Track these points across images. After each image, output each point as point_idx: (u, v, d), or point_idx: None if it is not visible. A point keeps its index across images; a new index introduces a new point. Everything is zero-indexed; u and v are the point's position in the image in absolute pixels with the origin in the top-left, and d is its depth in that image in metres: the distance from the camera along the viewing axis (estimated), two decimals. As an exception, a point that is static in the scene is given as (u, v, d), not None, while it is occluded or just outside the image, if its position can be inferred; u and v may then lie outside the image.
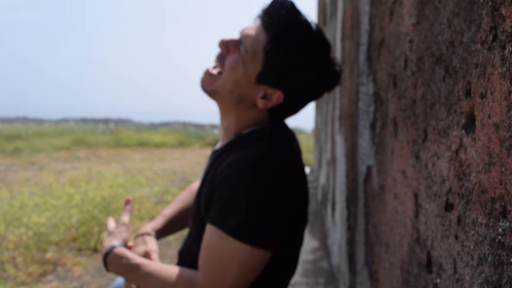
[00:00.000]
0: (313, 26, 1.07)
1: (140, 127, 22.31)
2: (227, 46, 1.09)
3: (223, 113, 1.12)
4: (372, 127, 1.14)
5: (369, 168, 1.14)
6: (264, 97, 1.05)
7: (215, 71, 1.10)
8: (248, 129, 1.07)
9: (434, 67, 0.66)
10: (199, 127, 21.51)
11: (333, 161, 2.39)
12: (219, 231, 0.92)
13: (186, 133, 16.80)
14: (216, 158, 1.07)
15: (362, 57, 1.32)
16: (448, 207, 0.56)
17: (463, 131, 0.52)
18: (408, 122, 0.79)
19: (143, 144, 14.06)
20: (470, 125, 0.51)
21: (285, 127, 1.09)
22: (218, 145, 1.13)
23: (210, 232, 0.94)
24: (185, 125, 22.32)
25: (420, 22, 0.76)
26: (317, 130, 6.14)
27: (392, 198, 0.90)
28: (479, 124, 0.48)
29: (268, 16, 1.05)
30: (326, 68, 1.06)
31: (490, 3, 0.48)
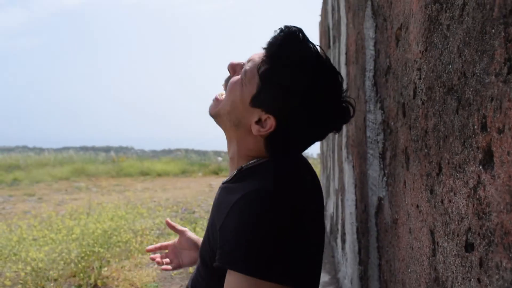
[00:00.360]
0: (319, 55, 1.03)
1: (142, 155, 22.22)
2: (234, 69, 1.08)
3: (228, 140, 1.11)
4: (382, 156, 1.11)
5: (380, 200, 1.11)
6: (259, 122, 1.01)
7: (221, 97, 1.10)
8: (250, 162, 1.04)
9: (445, 98, 0.63)
10: (202, 154, 21.45)
11: (341, 190, 2.35)
12: (239, 275, 0.85)
13: (189, 161, 16.65)
14: (222, 192, 1.05)
15: (368, 83, 1.29)
16: (468, 247, 0.52)
17: (481, 167, 0.49)
18: (420, 154, 0.76)
19: (145, 173, 13.92)
20: (488, 161, 0.48)
21: (292, 159, 1.03)
22: (227, 177, 1.10)
23: (230, 278, 0.87)
24: (187, 152, 22.29)
25: (428, 49, 0.74)
26: (323, 157, 6.09)
27: (406, 233, 0.86)
28: (497, 161, 0.45)
29: (270, 40, 1.03)
30: (329, 101, 1.00)
31: (503, 34, 0.46)
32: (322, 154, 6.56)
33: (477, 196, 0.50)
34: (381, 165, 1.11)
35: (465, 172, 0.54)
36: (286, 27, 1.03)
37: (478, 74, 0.51)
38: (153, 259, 1.43)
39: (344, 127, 2.07)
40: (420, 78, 0.79)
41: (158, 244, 1.46)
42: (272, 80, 0.99)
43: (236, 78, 1.06)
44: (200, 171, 14.86)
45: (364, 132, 1.38)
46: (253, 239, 0.86)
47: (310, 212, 0.95)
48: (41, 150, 23.47)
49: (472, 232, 0.51)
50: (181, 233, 1.41)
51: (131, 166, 14.50)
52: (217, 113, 1.08)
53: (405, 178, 0.87)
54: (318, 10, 6.14)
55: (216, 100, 1.11)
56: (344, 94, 1.04)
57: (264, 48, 1.03)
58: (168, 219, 1.44)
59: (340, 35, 2.34)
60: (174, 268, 1.40)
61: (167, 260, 1.40)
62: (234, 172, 1.05)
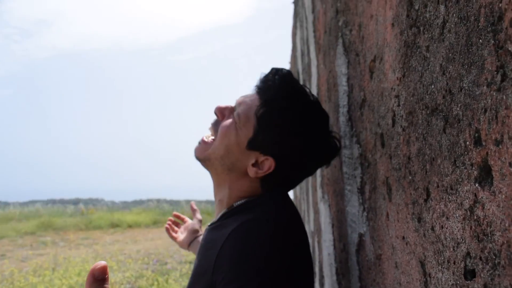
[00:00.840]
0: (310, 95, 1.06)
1: (112, 206, 21.72)
2: (222, 112, 1.08)
3: (216, 184, 1.08)
4: (361, 191, 1.07)
5: (361, 236, 1.06)
6: (256, 164, 1.02)
7: (209, 139, 1.08)
8: (241, 200, 1.02)
9: (429, 119, 0.61)
10: (175, 203, 21.08)
11: (317, 231, 2.29)
12: None
13: (161, 211, 16.36)
14: (209, 232, 1.02)
15: (342, 118, 1.28)
16: (468, 274, 0.48)
17: (477, 185, 0.46)
18: (404, 181, 0.72)
19: (115, 225, 13.54)
20: (484, 177, 0.44)
21: (281, 194, 1.04)
22: (213, 219, 1.08)
23: None
24: (159, 202, 21.91)
25: (406, 75, 0.72)
26: (297, 200, 6.05)
27: (392, 268, 0.81)
28: (497, 174, 0.42)
29: (262, 83, 1.05)
30: (321, 138, 1.04)
31: (492, 41, 0.43)
32: (296, 197, 6.52)
33: (475, 217, 0.46)
34: (360, 200, 1.07)
35: (459, 193, 0.50)
36: (276, 70, 1.06)
37: (466, 88, 0.49)
38: (176, 216, 1.65)
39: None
40: (399, 105, 0.77)
41: (183, 216, 1.66)
42: (270, 123, 1.00)
43: (228, 121, 1.04)
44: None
45: (340, 168, 1.35)
46: (253, 269, 0.83)
47: (305, 242, 0.95)
48: (6, 204, 22.53)
49: (471, 257, 0.47)
50: (186, 221, 1.63)
51: (100, 218, 14.12)
52: (207, 157, 1.06)
53: (388, 210, 0.83)
54: (287, 58, 6.29)
55: (204, 143, 1.08)
56: (331, 129, 1.10)
57: (258, 91, 1.05)
58: (193, 203, 1.63)
59: (310, 77, 2.36)
60: (171, 237, 1.59)
61: (176, 229, 1.60)
62: (224, 210, 1.02)
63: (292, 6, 4.75)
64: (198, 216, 1.57)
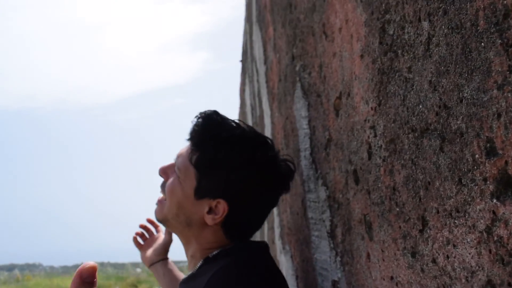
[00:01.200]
0: (238, 126, 1.04)
1: (51, 272, 20.31)
2: (165, 172, 1.08)
3: (184, 241, 1.07)
4: (331, 235, 1.00)
5: (334, 284, 0.98)
6: (210, 211, 0.99)
7: (163, 200, 1.08)
8: (215, 251, 0.99)
9: (419, 142, 0.56)
10: (120, 266, 19.98)
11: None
12: None
13: (105, 275, 15.48)
14: (184, 285, 1.01)
15: (305, 162, 1.23)
16: (491, 307, 0.42)
17: (495, 200, 0.40)
18: (390, 215, 0.66)
19: (54, 292, 12.70)
20: (503, 190, 0.39)
21: (254, 245, 1.03)
22: (189, 273, 1.05)
23: None
24: (103, 265, 20.70)
25: (383, 102, 0.69)
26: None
27: (378, 315, 0.73)
28: (522, 184, 0.37)
29: (191, 129, 1.05)
30: (265, 163, 1.01)
31: (499, 41, 0.40)
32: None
33: (495, 238, 0.40)
34: (332, 245, 1.00)
35: (469, 215, 0.45)
36: (201, 113, 1.05)
37: (469, 97, 0.45)
38: (149, 221, 1.41)
39: (276, 218, 1.97)
40: (375, 136, 0.73)
41: (157, 223, 1.38)
42: (207, 166, 0.99)
43: (171, 179, 1.04)
44: (117, 284, 13.89)
45: (303, 215, 1.28)
46: None
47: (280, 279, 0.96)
48: None
49: (494, 285, 0.41)
50: (159, 234, 1.40)
51: (38, 284, 13.23)
52: (165, 218, 1.06)
53: (369, 250, 0.77)
54: (235, 116, 6.31)
55: (160, 203, 1.08)
56: (280, 153, 1.09)
57: (189, 139, 1.04)
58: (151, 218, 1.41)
59: (264, 128, 2.33)
60: (137, 245, 1.39)
61: (146, 235, 1.40)
62: (200, 263, 0.98)
63: (239, 65, 4.84)
64: (169, 236, 1.34)
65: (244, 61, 4.52)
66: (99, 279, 14.20)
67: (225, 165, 0.99)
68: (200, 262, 0.99)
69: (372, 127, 0.74)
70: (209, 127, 1.02)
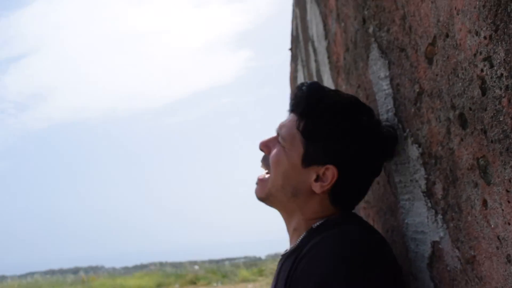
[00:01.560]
0: (343, 94, 1.06)
1: (113, 273, 21.08)
2: (266, 145, 1.07)
3: (287, 215, 1.05)
4: (428, 194, 0.93)
5: (434, 245, 0.91)
6: (318, 179, 0.97)
7: (265, 176, 1.07)
8: (318, 221, 0.97)
9: None
10: (178, 265, 20.44)
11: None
12: None
13: (164, 274, 15.87)
14: (287, 258, 0.97)
15: (391, 119, 1.15)
16: None
17: None
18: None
19: (119, 290, 13.22)
20: None
21: (358, 216, 1.02)
22: (289, 248, 1.04)
23: None
24: (162, 265, 21.25)
25: (502, 26, 0.61)
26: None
27: (501, 265, 0.66)
28: None
29: (293, 100, 1.05)
30: (371, 129, 1.01)
31: None
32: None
33: None
34: (429, 204, 0.92)
35: None
36: (302, 83, 1.07)
37: None
38: None
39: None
40: (491, 67, 0.65)
41: None
42: (315, 132, 0.99)
43: (275, 150, 1.03)
44: (177, 282, 14.16)
45: (386, 183, 1.21)
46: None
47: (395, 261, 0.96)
48: (3, 277, 21.69)
49: None
50: None
51: (102, 285, 13.84)
52: (268, 193, 1.04)
53: (485, 196, 0.69)
54: (283, 114, 6.28)
55: (261, 181, 1.07)
56: (378, 119, 1.07)
57: (292, 109, 1.05)
58: None
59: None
60: None
61: None
62: (303, 234, 0.97)
63: (279, 61, 4.80)
64: None
65: (293, 48, 4.46)
66: (159, 278, 14.64)
67: (333, 130, 0.98)
68: (304, 234, 0.97)
69: (487, 59, 0.67)
70: (314, 94, 1.01)
